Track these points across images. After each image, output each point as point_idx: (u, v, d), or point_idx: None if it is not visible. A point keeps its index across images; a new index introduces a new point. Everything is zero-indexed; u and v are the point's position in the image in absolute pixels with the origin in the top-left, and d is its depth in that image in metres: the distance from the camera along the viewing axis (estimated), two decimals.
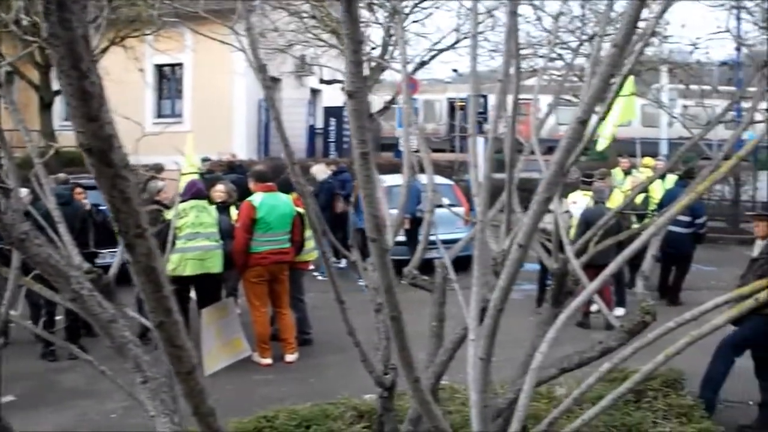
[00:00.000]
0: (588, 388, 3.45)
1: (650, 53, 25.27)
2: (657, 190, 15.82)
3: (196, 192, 11.26)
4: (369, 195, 2.69)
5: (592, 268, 5.22)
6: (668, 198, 14.27)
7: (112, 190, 1.93)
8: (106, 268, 4.73)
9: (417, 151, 6.36)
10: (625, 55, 2.79)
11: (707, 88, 21.74)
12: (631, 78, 17.56)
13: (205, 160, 21.16)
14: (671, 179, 15.79)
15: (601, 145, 19.61)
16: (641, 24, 6.08)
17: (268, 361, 11.14)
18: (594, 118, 4.76)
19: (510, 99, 4.47)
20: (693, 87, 24.42)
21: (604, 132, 18.33)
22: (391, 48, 26.67)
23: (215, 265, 11.08)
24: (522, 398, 3.44)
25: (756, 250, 9.31)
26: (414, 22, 26.43)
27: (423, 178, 6.37)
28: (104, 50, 21.81)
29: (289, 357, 11.31)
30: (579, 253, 5.60)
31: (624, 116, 17.67)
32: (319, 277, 15.64)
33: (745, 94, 7.12)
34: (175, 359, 2.40)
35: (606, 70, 2.73)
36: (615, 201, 14.20)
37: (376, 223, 2.75)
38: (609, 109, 5.17)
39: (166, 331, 2.31)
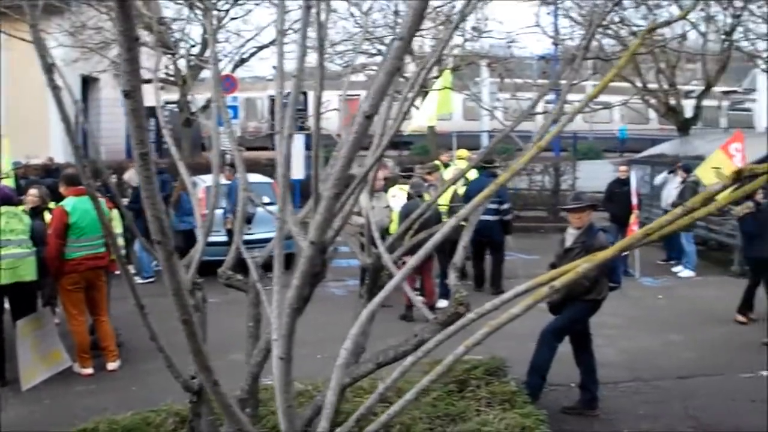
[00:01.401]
0: (393, 382, 3.44)
1: (470, 48, 25.78)
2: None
3: (4, 198, 10.79)
4: (150, 197, 2.60)
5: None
6: (473, 189, 14.62)
7: None
8: None
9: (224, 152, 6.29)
10: (409, 48, 2.78)
11: (525, 81, 22.25)
12: (447, 72, 17.85)
13: (16, 164, 20.39)
14: (474, 171, 15.97)
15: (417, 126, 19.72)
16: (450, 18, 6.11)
17: (89, 371, 10.78)
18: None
19: (326, 95, 4.42)
20: (511, 80, 25.03)
21: (416, 122, 18.55)
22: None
23: (29, 273, 10.61)
24: (329, 396, 3.41)
25: (569, 239, 9.51)
26: (233, 19, 26.17)
27: (248, 177, 6.29)
28: None
29: (111, 365, 10.99)
30: (394, 247, 5.62)
31: (440, 109, 17.91)
32: (139, 281, 15.36)
33: (556, 86, 7.30)
34: None
35: (391, 63, 2.72)
36: (447, 195, 14.47)
37: (161, 225, 2.66)
38: (414, 99, 5.18)
39: None
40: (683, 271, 18.17)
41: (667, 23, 7.64)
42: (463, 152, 18.90)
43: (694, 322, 13.84)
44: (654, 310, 14.81)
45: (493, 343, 8.91)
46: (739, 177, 2.91)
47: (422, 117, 18.26)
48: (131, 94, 2.43)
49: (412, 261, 3.51)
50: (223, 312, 10.20)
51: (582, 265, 3.17)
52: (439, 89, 15.48)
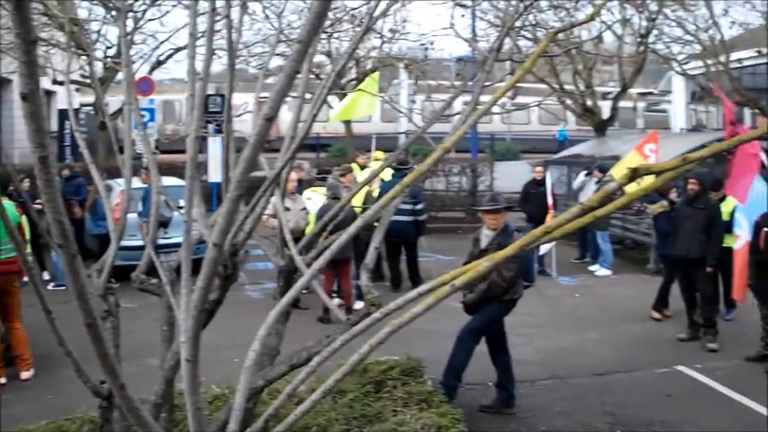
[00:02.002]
0: (299, 383, 3.46)
1: (387, 50, 25.89)
2: None
3: None
4: (51, 200, 2.59)
5: (332, 262, 5.25)
6: (386, 190, 14.65)
7: None
8: None
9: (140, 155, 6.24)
10: (309, 50, 2.79)
11: (438, 83, 22.43)
12: (375, 75, 17.87)
13: None
14: (389, 172, 15.92)
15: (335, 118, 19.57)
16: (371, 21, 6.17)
17: (2, 380, 10.56)
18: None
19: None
20: (428, 82, 25.25)
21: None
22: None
23: None
24: (237, 398, 3.41)
25: (484, 240, 9.53)
26: (151, 20, 25.83)
27: (165, 180, 6.26)
28: None
29: (25, 374, 10.74)
30: (308, 249, 5.64)
31: (345, 114, 17.92)
32: (50, 287, 15.22)
33: (467, 88, 7.38)
34: None
35: (290, 66, 2.73)
36: (360, 197, 14.43)
37: (62, 229, 2.64)
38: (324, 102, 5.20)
39: None
40: (600, 270, 18.44)
41: (573, 26, 7.80)
42: (380, 154, 18.95)
43: (611, 319, 14.08)
44: (571, 309, 15.02)
45: (410, 343, 8.99)
46: (635, 176, 2.99)
47: (332, 116, 18.36)
48: (29, 97, 2.41)
49: (318, 262, 3.54)
50: (141, 317, 10.10)
51: (483, 264, 3.22)
52: (356, 91, 15.41)
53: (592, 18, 7.47)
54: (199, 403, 3.32)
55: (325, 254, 3.60)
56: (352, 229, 3.68)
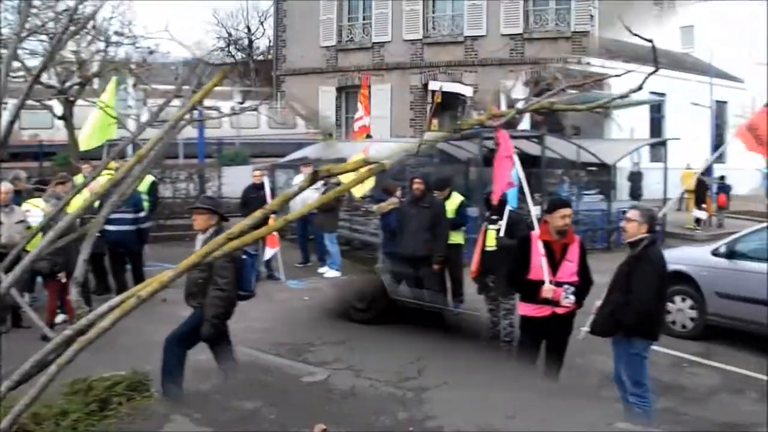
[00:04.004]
0: None
1: (113, 53, 25.20)
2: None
3: None
4: None
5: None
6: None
7: None
8: None
9: None
10: None
11: (156, 87, 22.02)
12: (112, 86, 17.36)
13: None
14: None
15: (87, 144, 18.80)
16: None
17: None
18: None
19: None
20: (144, 87, 24.73)
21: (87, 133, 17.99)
22: None
23: None
24: None
25: (198, 245, 9.15)
26: None
27: None
28: None
29: None
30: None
31: (96, 138, 17.45)
32: None
33: (180, 92, 7.22)
34: None
35: None
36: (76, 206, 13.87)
37: None
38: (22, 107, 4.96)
39: None
40: (329, 272, 18.55)
41: None
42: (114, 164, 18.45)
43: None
44: (300, 311, 15.05)
45: (138, 356, 8.77)
46: (316, 178, 2.99)
47: (84, 136, 17.75)
48: None
49: (9, 278, 3.34)
50: None
51: (167, 274, 3.14)
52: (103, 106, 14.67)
53: None
54: None
55: (16, 270, 3.42)
56: (43, 243, 3.50)
